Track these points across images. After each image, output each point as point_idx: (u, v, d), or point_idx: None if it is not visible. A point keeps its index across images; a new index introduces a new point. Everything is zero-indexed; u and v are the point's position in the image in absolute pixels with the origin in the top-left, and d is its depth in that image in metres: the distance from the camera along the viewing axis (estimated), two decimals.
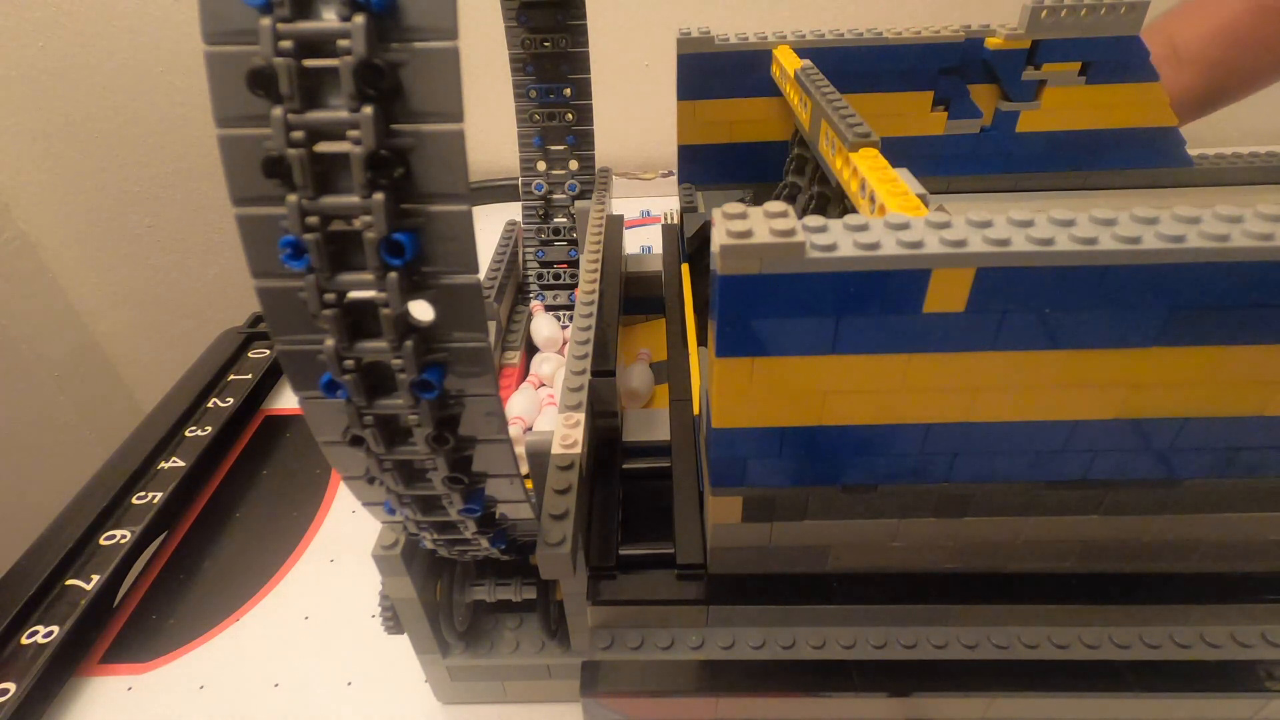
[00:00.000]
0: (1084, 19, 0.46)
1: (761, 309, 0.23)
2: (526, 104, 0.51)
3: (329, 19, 0.15)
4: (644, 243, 0.74)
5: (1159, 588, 0.30)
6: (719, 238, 0.22)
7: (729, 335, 0.24)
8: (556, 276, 0.56)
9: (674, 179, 0.77)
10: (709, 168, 0.55)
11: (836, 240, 0.22)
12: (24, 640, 0.36)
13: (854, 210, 0.32)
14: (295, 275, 0.17)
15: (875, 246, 0.22)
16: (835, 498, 0.28)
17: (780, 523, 0.29)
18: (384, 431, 0.20)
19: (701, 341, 0.42)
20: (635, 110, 0.87)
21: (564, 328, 0.53)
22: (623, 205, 0.81)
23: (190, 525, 0.46)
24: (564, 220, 0.55)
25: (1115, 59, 0.48)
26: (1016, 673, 0.29)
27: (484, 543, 0.25)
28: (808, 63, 0.43)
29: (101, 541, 0.42)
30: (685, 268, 0.50)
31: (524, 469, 0.30)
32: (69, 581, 0.40)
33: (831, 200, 0.41)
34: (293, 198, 0.16)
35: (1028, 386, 0.24)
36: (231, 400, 0.53)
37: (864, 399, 0.25)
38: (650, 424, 0.41)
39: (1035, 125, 0.51)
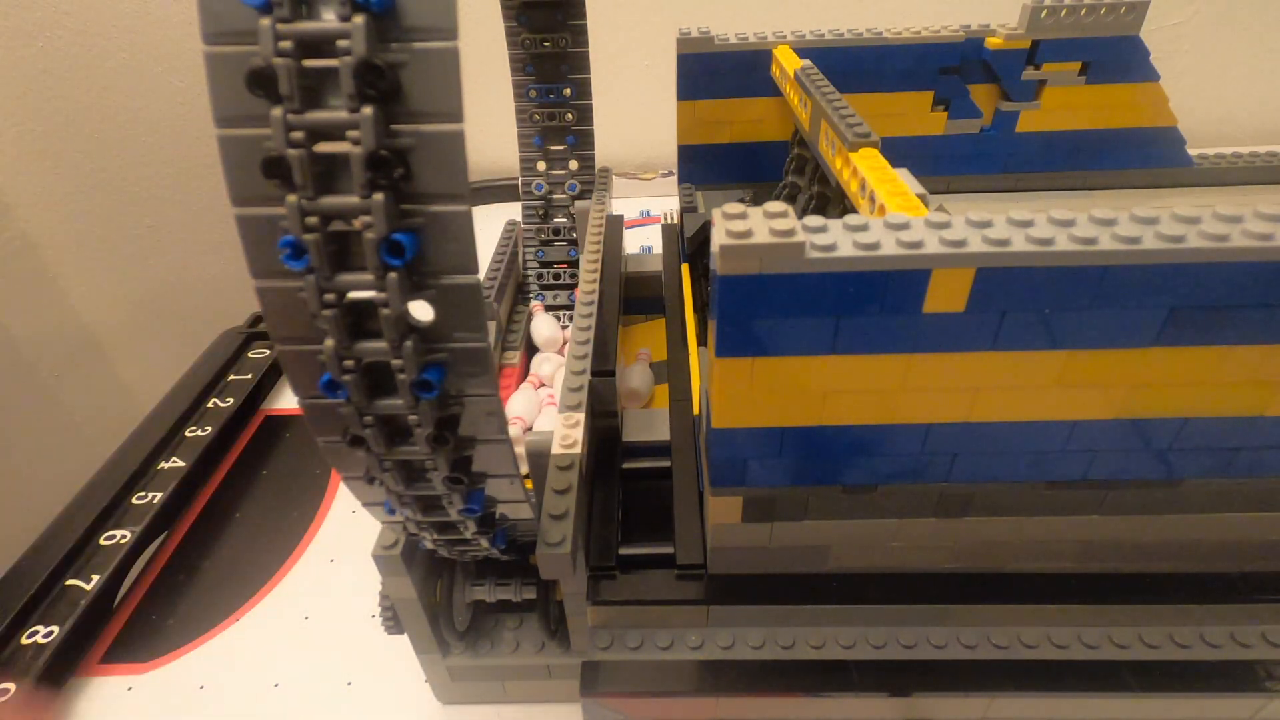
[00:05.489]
0: (1084, 19, 0.46)
1: (761, 309, 0.23)
2: (526, 104, 0.51)
3: (329, 19, 0.15)
4: (644, 243, 0.74)
5: (1159, 588, 0.30)
6: (719, 238, 0.22)
7: (729, 335, 0.24)
8: (556, 276, 0.56)
9: (674, 179, 0.77)
10: (709, 168, 0.55)
11: (836, 240, 0.22)
12: (24, 640, 0.36)
13: (854, 210, 0.32)
14: (295, 275, 0.17)
15: (875, 246, 0.22)
16: (835, 498, 0.28)
17: (780, 523, 0.29)
18: (384, 431, 0.20)
19: (701, 341, 0.42)
20: (635, 110, 0.87)
21: (564, 328, 0.53)
22: (623, 205, 0.81)
23: (190, 525, 0.46)
24: (564, 220, 0.55)
25: (1115, 59, 0.48)
26: (1016, 673, 0.29)
27: (484, 543, 0.25)
28: (808, 63, 0.43)
29: (101, 541, 0.42)
30: (685, 268, 0.50)
31: (524, 469, 0.30)
32: (69, 581, 0.40)
33: (831, 200, 0.41)
34: (293, 198, 0.16)
35: (1028, 386, 0.24)
36: (231, 400, 0.53)
37: (864, 399, 0.25)
38: (650, 424, 0.41)
39: (1035, 125, 0.51)
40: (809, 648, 0.30)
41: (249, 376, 0.56)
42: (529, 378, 0.50)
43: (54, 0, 0.73)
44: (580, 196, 0.54)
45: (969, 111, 0.51)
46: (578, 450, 0.31)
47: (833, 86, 0.39)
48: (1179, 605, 0.30)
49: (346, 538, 0.45)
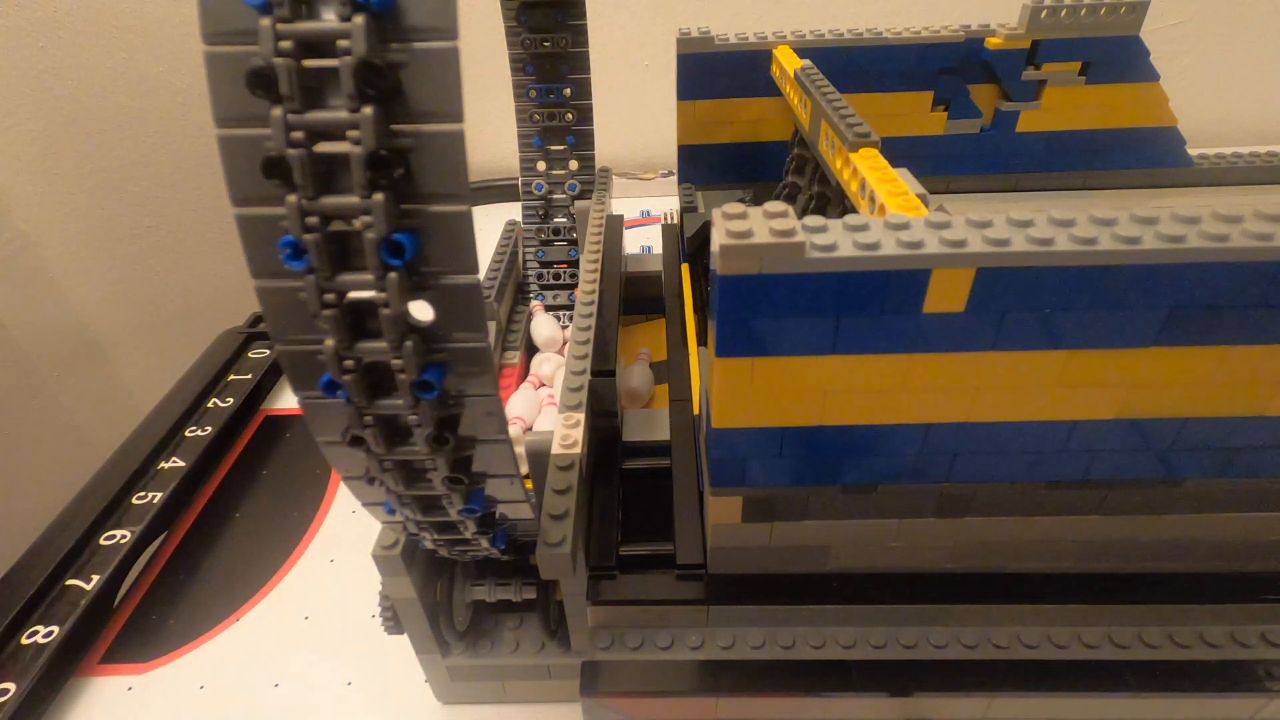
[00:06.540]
0: (1084, 19, 0.46)
1: (761, 309, 0.23)
2: (526, 104, 0.51)
3: (329, 19, 0.15)
4: (644, 243, 0.74)
5: (1159, 588, 0.30)
6: (719, 238, 0.22)
7: (729, 335, 0.24)
8: (556, 276, 0.56)
9: (674, 179, 0.77)
10: (709, 168, 0.55)
11: (836, 240, 0.22)
12: (24, 640, 0.36)
13: (854, 210, 0.32)
14: (295, 275, 0.17)
15: (875, 246, 0.22)
16: (835, 498, 0.28)
17: (780, 523, 0.29)
18: (384, 431, 0.20)
19: (701, 341, 0.42)
20: (635, 110, 0.87)
21: (564, 328, 0.53)
22: (623, 205, 0.81)
23: (190, 525, 0.46)
24: (564, 220, 0.55)
25: (1115, 59, 0.48)
26: (1016, 673, 0.29)
27: (484, 543, 0.25)
28: (808, 63, 0.43)
29: (101, 541, 0.42)
30: (685, 268, 0.50)
31: (524, 469, 0.30)
32: (69, 581, 0.40)
33: (831, 200, 0.41)
34: (293, 198, 0.16)
35: (1028, 386, 0.24)
36: (231, 400, 0.53)
37: (864, 399, 0.25)
38: (650, 424, 0.41)
39: (1035, 125, 0.51)
40: (809, 648, 0.30)
41: (249, 376, 0.56)
42: (529, 378, 0.50)
43: (54, 0, 0.73)
44: (580, 196, 0.54)
45: (969, 111, 0.51)
46: (578, 450, 0.31)
47: (833, 86, 0.39)
48: (1179, 605, 0.30)
49: (346, 538, 0.45)
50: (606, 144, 0.68)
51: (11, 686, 0.34)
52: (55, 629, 0.37)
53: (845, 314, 0.23)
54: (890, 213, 0.24)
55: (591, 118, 0.51)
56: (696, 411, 0.38)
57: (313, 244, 0.16)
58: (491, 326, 0.49)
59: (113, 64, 0.77)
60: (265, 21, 0.15)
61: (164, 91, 0.79)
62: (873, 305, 0.23)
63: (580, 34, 0.48)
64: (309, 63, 0.15)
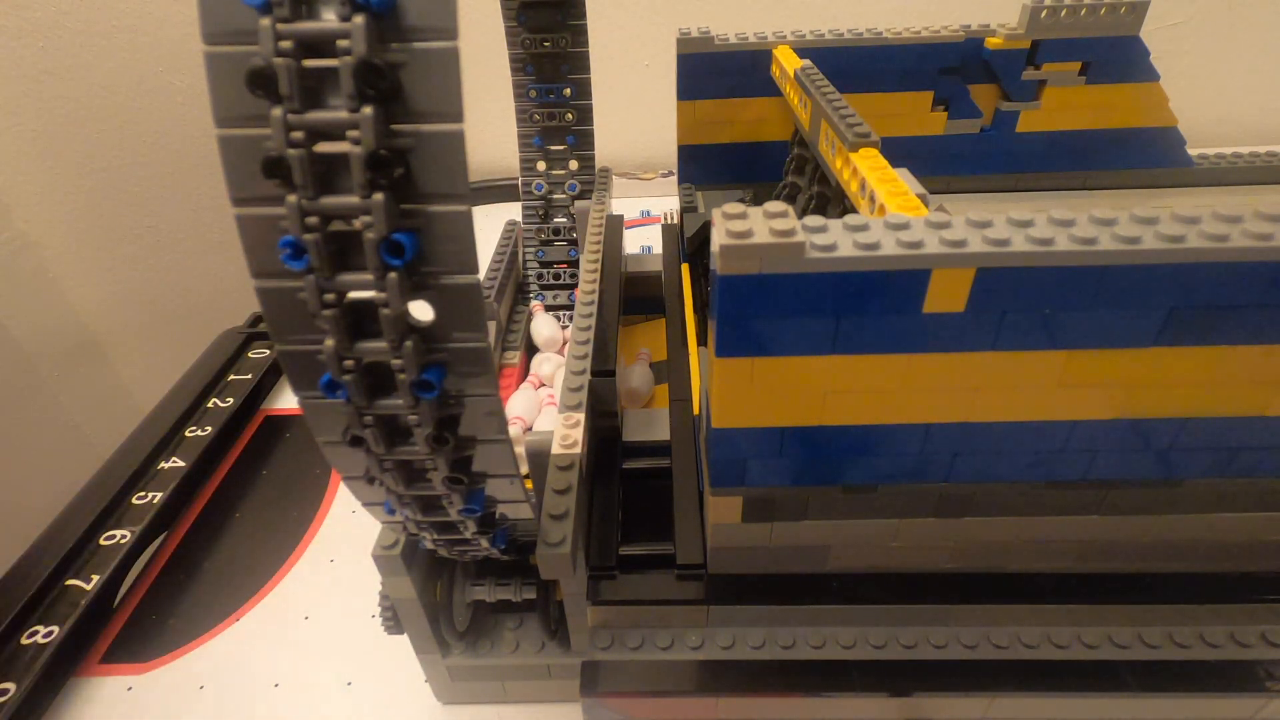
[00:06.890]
0: (1084, 19, 0.46)
1: (761, 309, 0.23)
2: (526, 104, 0.51)
3: (329, 19, 0.15)
4: (644, 243, 0.74)
5: (1159, 588, 0.30)
6: (719, 238, 0.22)
7: (729, 335, 0.24)
8: (556, 276, 0.56)
9: (674, 179, 0.77)
10: (709, 168, 0.55)
11: (836, 240, 0.22)
12: (24, 640, 0.36)
13: (854, 210, 0.32)
14: (295, 275, 0.17)
15: (875, 246, 0.22)
16: (835, 498, 0.28)
17: (780, 523, 0.29)
18: (384, 431, 0.20)
19: (701, 341, 0.42)
20: (635, 110, 0.87)
21: (564, 328, 0.53)
22: (623, 205, 0.81)
23: (190, 525, 0.46)
24: (564, 220, 0.55)
25: (1115, 59, 0.48)
26: (1016, 673, 0.29)
27: (484, 543, 0.25)
28: (808, 63, 0.43)
29: (101, 541, 0.42)
30: (685, 268, 0.50)
31: (524, 469, 0.30)
32: (69, 581, 0.40)
33: (831, 200, 0.41)
34: (293, 198, 0.16)
35: (1028, 386, 0.24)
36: (231, 400, 0.53)
37: (864, 399, 0.25)
38: (650, 424, 0.41)
39: (1035, 125, 0.51)
40: (809, 648, 0.30)
41: (249, 376, 0.56)
42: (529, 378, 0.50)
43: (54, 0, 0.73)
44: (580, 196, 0.54)
45: (969, 111, 0.51)
46: (578, 450, 0.31)
47: (833, 86, 0.39)
48: (1179, 605, 0.30)
49: (346, 538, 0.45)
50: (606, 144, 0.68)
51: (11, 686, 0.34)
52: (55, 629, 0.37)
53: (845, 314, 0.23)
54: (890, 213, 0.24)
55: (591, 118, 0.51)
56: (696, 411, 0.38)
57: (313, 244, 0.16)
58: (491, 326, 0.49)
59: (113, 64, 0.77)
60: (265, 21, 0.15)
61: (164, 91, 0.79)
62: (873, 305, 0.23)
63: (580, 34, 0.48)
64: (309, 63, 0.15)
